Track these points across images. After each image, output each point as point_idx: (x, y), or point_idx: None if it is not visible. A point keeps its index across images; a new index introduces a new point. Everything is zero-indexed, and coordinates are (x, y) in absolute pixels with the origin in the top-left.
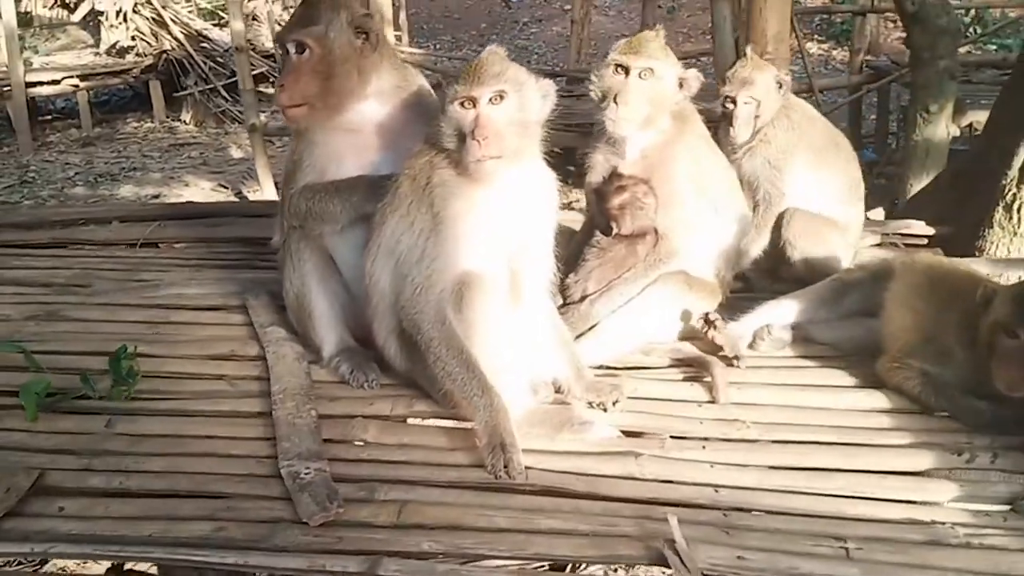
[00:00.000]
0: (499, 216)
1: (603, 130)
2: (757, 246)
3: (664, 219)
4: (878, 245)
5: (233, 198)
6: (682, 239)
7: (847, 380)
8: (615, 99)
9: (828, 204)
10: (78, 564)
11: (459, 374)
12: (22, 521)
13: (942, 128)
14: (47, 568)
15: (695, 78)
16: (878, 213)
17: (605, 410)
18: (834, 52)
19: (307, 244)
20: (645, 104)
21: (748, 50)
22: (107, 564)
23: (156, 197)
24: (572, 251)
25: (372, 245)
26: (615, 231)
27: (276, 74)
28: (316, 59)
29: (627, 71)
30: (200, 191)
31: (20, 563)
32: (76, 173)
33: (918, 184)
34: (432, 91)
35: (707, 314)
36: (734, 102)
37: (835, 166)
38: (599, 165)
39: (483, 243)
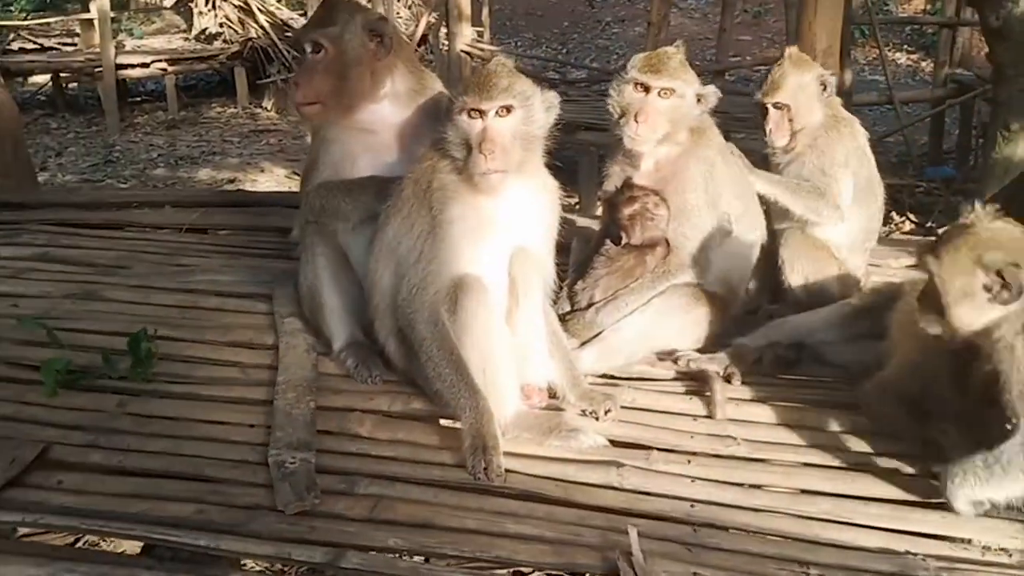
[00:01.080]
0: (497, 223)
1: (621, 143)
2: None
3: (675, 231)
4: (914, 266)
5: None
6: (693, 252)
7: (845, 401)
8: (635, 117)
9: (839, 242)
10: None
11: (448, 375)
12: (21, 492)
13: (1023, 147)
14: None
15: (713, 94)
16: None
17: (597, 418)
18: (923, 63)
19: (321, 239)
20: (665, 123)
21: (786, 51)
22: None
23: (232, 182)
24: (584, 258)
25: (376, 245)
26: (625, 240)
27: None
28: (330, 59)
29: (647, 89)
30: (274, 177)
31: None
32: (159, 155)
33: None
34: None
35: (676, 358)
36: (764, 108)
37: (865, 209)
38: (614, 175)
39: (479, 248)
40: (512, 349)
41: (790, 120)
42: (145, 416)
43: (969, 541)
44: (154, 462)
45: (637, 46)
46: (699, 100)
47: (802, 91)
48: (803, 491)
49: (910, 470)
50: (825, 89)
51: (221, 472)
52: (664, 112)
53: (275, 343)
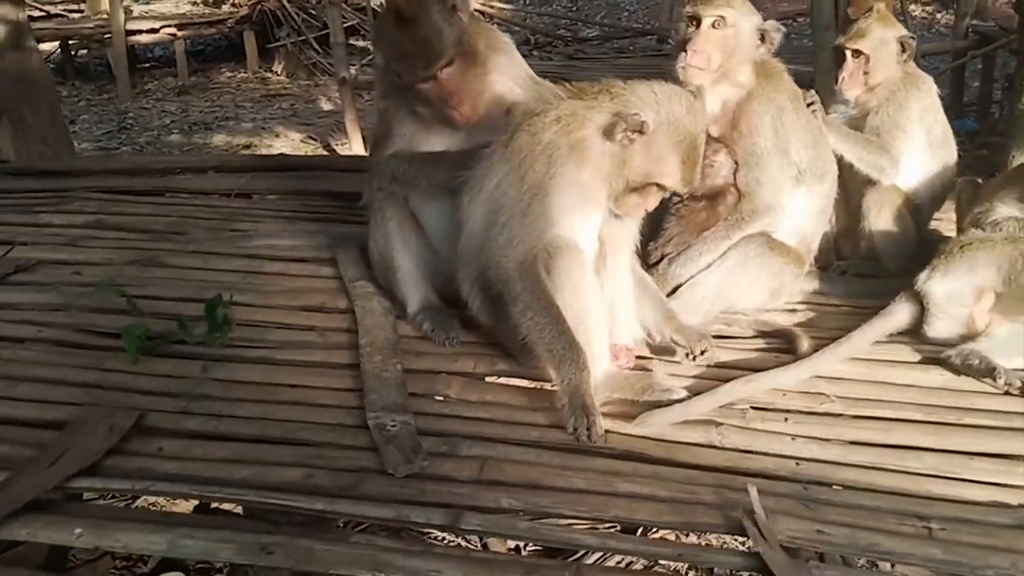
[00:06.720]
0: (601, 187)
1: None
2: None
3: (745, 176)
4: None
5: (322, 150)
6: (764, 198)
7: (930, 357)
8: (685, 48)
9: (921, 193)
10: (167, 501)
11: (546, 328)
12: (124, 459)
13: None
14: (138, 503)
15: (775, 30)
16: None
17: (694, 357)
18: (939, 16)
19: (391, 203)
20: (716, 53)
21: (875, 6)
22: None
23: (248, 147)
24: (656, 217)
25: (474, 187)
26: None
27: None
28: None
29: (699, 22)
30: (290, 142)
31: (113, 497)
32: (172, 121)
33: (1021, 156)
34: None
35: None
36: (843, 52)
37: (943, 161)
38: None
39: (584, 211)
40: (602, 307)
41: (865, 73)
42: (229, 381)
43: None
44: (248, 427)
45: (650, 2)
46: (763, 38)
47: (883, 47)
48: (904, 447)
49: (1009, 424)
50: (904, 51)
51: (318, 436)
52: (715, 42)
53: (348, 307)
